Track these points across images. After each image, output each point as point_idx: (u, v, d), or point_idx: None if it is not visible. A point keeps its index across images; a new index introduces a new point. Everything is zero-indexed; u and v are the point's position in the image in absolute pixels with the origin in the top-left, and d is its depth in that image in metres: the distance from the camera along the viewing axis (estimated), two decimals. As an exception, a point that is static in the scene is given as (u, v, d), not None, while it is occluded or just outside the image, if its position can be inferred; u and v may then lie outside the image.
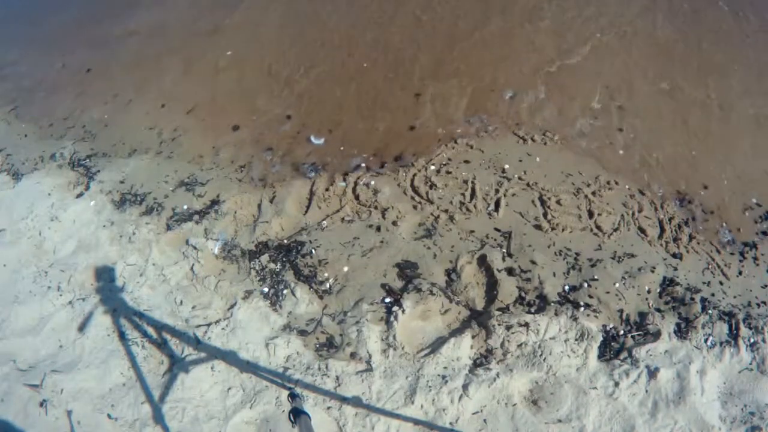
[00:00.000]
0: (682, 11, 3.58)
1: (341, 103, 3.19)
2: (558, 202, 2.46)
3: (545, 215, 2.42)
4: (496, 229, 2.39)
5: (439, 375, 1.94)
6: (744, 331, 1.98)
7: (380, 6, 3.90)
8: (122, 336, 2.23)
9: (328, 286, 2.29)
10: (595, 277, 2.17)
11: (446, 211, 2.47)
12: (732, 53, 3.26)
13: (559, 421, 1.82)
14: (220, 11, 4.25)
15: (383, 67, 3.38)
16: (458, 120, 2.95)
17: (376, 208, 2.54)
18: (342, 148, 2.91)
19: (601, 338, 2.00)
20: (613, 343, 2.00)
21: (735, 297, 2.11)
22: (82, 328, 2.27)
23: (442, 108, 3.04)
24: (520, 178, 2.58)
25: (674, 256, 2.25)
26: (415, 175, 2.67)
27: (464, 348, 2.00)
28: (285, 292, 2.28)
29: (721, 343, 1.96)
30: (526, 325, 2.02)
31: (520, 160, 2.67)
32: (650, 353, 1.94)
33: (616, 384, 1.87)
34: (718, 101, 2.95)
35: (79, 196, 2.90)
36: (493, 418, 1.85)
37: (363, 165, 2.77)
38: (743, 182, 2.54)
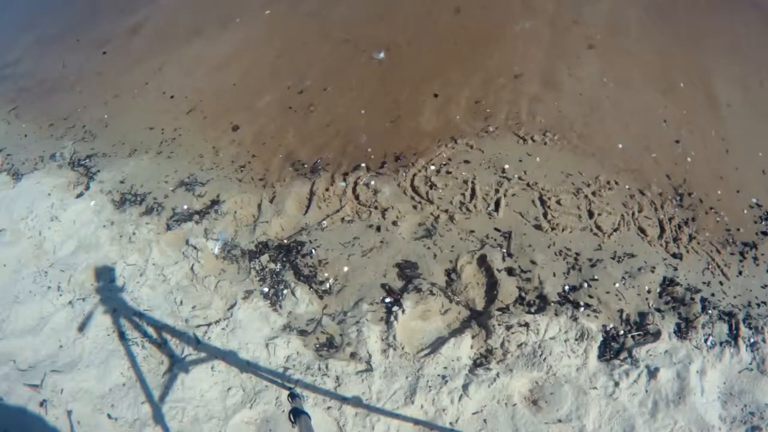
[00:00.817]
0: (683, 10, 3.58)
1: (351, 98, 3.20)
2: (558, 202, 2.46)
3: (545, 215, 2.42)
4: (496, 229, 2.39)
5: (439, 375, 1.94)
6: (744, 331, 1.98)
7: (381, 3, 3.90)
8: (122, 336, 2.23)
9: (328, 286, 2.29)
10: (595, 277, 2.17)
11: (446, 211, 2.47)
12: (732, 51, 3.27)
13: (559, 421, 1.82)
14: (220, 10, 4.25)
15: (383, 64, 3.38)
16: (458, 119, 2.95)
17: (376, 208, 2.54)
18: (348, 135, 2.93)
19: (601, 338, 2.00)
20: (613, 343, 2.00)
21: (735, 297, 2.11)
22: (82, 328, 2.27)
23: (443, 108, 3.04)
24: (520, 178, 2.58)
25: (674, 256, 2.25)
26: (415, 175, 2.67)
27: (464, 348, 2.00)
28: (285, 292, 2.28)
29: (721, 343, 1.96)
30: (526, 325, 2.02)
31: (520, 160, 2.67)
32: (650, 353, 1.94)
33: (616, 384, 1.87)
34: (718, 99, 2.95)
35: (79, 196, 2.90)
36: (493, 418, 1.85)
37: (363, 165, 2.77)
38: (743, 182, 2.54)
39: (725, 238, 2.31)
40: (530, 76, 3.15)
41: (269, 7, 4.13)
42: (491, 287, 2.20)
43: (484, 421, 1.85)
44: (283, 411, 1.92)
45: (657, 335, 1.99)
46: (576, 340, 1.99)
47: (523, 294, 2.15)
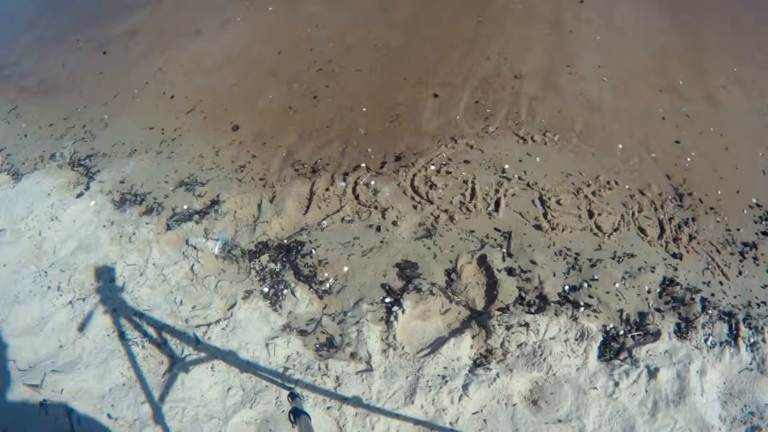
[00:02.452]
0: (683, 9, 3.59)
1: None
2: (558, 202, 2.46)
3: (545, 215, 2.42)
4: (496, 229, 2.39)
5: (439, 375, 1.94)
6: (744, 331, 1.98)
7: (381, 3, 3.91)
8: (122, 336, 2.23)
9: (328, 286, 2.29)
10: (595, 277, 2.17)
11: (446, 211, 2.47)
12: (732, 50, 3.27)
13: (559, 421, 1.82)
14: (220, 9, 4.25)
15: (383, 64, 3.38)
16: (458, 119, 2.95)
17: (376, 208, 2.54)
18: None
19: (601, 338, 2.00)
20: (613, 343, 2.00)
21: (735, 297, 2.11)
22: (82, 328, 2.27)
23: (442, 108, 3.04)
24: (520, 178, 2.58)
25: (674, 256, 2.25)
26: (415, 175, 2.67)
27: (464, 348, 2.00)
28: (285, 292, 2.28)
29: (721, 343, 1.96)
30: (526, 325, 2.02)
31: (520, 160, 2.67)
32: (650, 353, 1.94)
33: (616, 384, 1.87)
34: (718, 99, 2.96)
35: (79, 196, 2.90)
36: (493, 418, 1.85)
37: (363, 165, 2.77)
38: (743, 181, 2.54)
39: (725, 238, 2.31)
40: (530, 76, 3.15)
41: (271, 4, 4.14)
42: (491, 287, 2.20)
43: (484, 421, 1.85)
44: (283, 411, 1.92)
45: (657, 335, 1.99)
46: (576, 340, 1.99)
47: (523, 294, 2.15)
